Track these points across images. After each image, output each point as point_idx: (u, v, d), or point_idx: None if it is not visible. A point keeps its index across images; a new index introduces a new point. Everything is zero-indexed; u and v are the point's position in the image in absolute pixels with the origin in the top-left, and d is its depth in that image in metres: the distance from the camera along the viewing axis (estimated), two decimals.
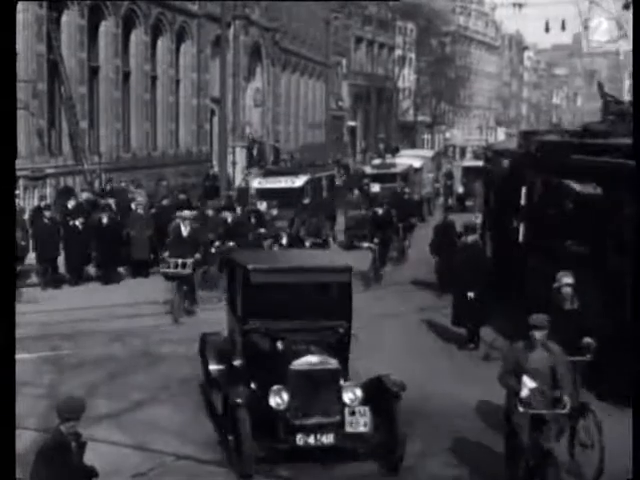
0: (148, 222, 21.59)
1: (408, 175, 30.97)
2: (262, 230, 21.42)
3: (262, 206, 23.05)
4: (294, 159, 43.25)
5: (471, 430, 10.95)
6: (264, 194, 24.56)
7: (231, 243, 19.18)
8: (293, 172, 27.93)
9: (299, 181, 25.84)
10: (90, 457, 7.43)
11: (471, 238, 15.87)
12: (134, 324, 16.53)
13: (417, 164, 33.19)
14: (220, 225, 20.66)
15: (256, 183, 26.76)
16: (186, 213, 18.78)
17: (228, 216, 20.86)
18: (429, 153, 42.20)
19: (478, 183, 30.94)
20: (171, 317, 16.96)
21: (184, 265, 17.01)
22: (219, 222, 20.92)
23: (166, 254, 17.58)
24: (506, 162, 17.65)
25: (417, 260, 22.72)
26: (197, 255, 17.46)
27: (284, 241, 17.03)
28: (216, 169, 33.04)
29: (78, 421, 7.13)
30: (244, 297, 10.81)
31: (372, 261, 20.85)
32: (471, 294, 14.82)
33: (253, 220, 22.04)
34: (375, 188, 28.88)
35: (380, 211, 22.25)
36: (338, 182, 37.05)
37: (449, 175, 40.14)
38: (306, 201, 25.15)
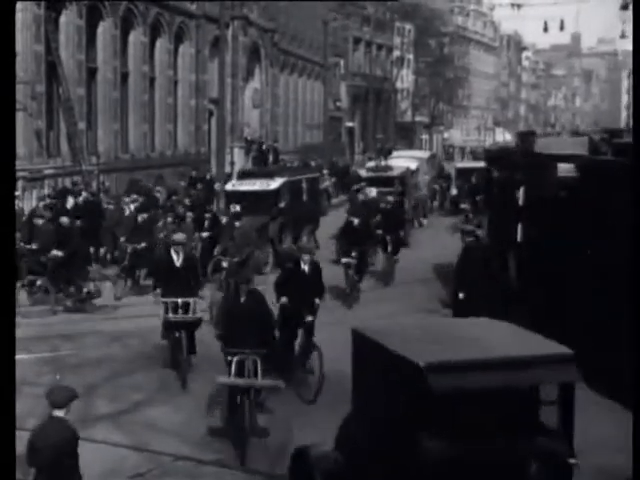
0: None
1: (405, 178, 29.88)
2: (204, 234, 20.53)
3: (235, 210, 21.33)
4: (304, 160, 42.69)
5: None
6: (237, 197, 23.14)
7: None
8: (269, 174, 26.07)
9: (274, 184, 24.27)
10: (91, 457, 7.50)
11: (469, 240, 16.09)
12: (133, 325, 16.57)
13: (413, 166, 32.69)
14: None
15: (229, 185, 25.56)
16: (180, 237, 14.49)
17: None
18: (425, 154, 41.49)
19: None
20: (179, 382, 12.97)
21: (186, 307, 13.14)
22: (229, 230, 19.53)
23: (156, 292, 13.81)
24: (567, 167, 14.66)
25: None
26: (200, 293, 13.91)
27: (306, 268, 13.28)
28: (196, 172, 32.62)
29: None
30: (416, 411, 7.02)
31: (347, 277, 18.75)
32: (461, 294, 14.84)
33: (206, 223, 21.02)
34: (372, 192, 27.69)
35: (355, 221, 20.05)
36: (328, 184, 36.92)
37: (446, 177, 39.70)
38: (282, 205, 23.85)
